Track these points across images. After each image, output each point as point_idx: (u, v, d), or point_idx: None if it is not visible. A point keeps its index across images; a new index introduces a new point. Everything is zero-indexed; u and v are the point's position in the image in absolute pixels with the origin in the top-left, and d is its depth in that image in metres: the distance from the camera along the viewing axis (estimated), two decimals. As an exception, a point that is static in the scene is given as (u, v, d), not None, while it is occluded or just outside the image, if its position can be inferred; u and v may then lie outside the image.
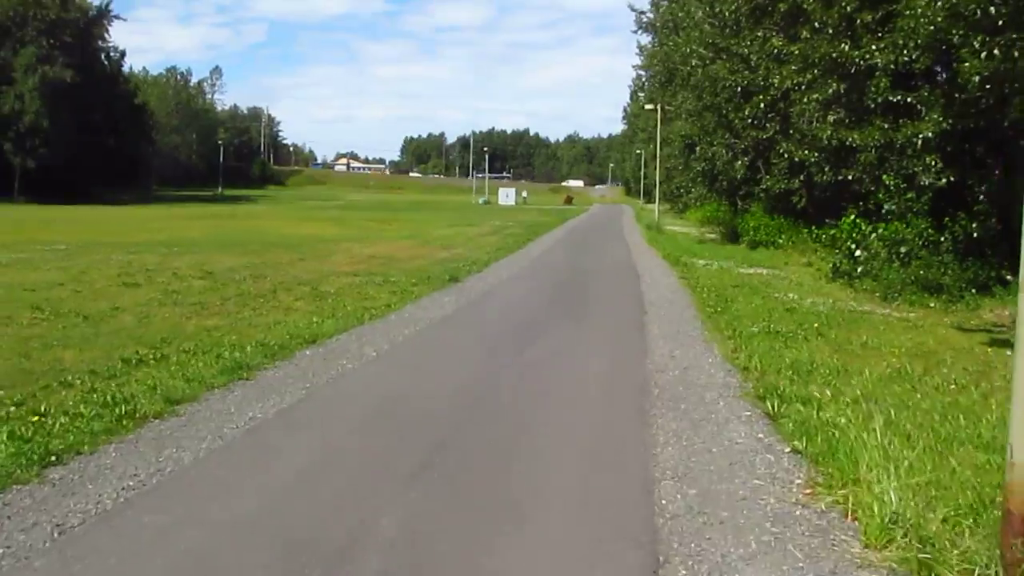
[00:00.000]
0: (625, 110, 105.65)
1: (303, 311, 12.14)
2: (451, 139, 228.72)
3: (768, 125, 25.50)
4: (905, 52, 14.53)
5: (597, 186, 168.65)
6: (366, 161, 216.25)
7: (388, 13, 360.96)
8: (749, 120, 24.05)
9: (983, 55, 9.92)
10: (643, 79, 75.31)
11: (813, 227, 26.35)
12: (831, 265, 18.64)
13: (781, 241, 27.10)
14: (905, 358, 9.70)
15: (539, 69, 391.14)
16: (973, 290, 14.81)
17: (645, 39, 64.84)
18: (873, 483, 4.79)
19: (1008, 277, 14.94)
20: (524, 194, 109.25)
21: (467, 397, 7.45)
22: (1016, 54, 9.67)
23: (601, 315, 13.09)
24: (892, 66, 15.62)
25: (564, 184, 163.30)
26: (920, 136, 15.51)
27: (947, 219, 15.60)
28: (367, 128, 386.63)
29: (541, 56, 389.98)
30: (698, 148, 35.69)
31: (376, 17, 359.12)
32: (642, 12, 61.38)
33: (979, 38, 9.83)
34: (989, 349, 11.29)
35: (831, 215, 29.44)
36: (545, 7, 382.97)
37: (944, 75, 14.81)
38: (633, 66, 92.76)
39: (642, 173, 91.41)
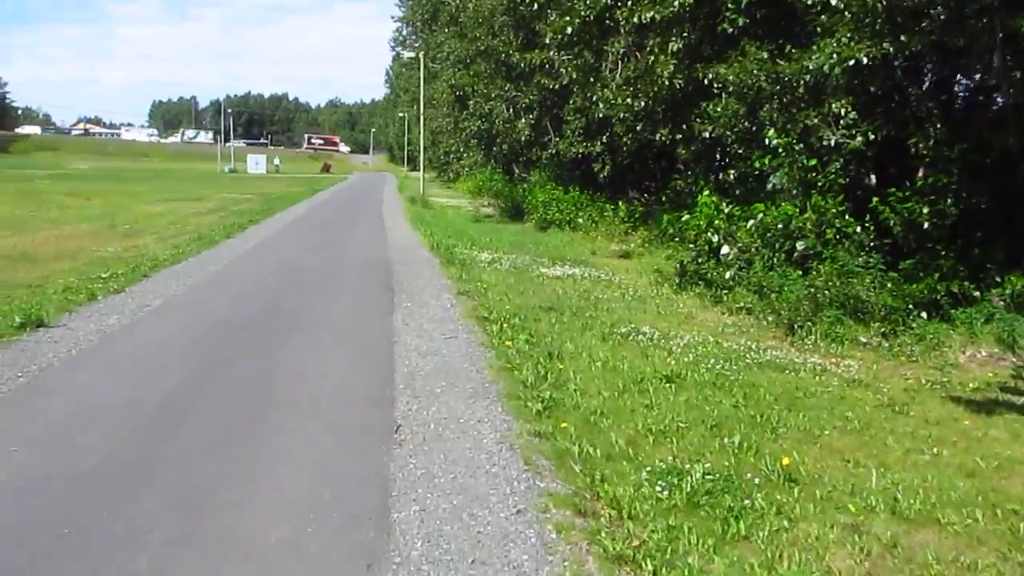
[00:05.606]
0: (387, 72, 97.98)
1: None
2: (204, 104, 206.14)
3: (564, 71, 19.27)
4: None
5: (345, 151, 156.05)
6: (111, 126, 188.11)
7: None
8: (557, 43, 17.20)
9: None
10: (404, 33, 68.57)
11: (620, 202, 20.71)
12: (677, 265, 12.66)
13: (581, 221, 21.10)
14: None
15: (298, 34, 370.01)
16: (923, 313, 9.23)
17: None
18: None
19: (976, 292, 9.49)
20: (276, 161, 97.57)
21: None
22: None
23: (306, 443, 5.69)
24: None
25: (321, 149, 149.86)
26: (815, 68, 9.65)
27: (876, 200, 9.86)
28: (113, 92, 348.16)
29: (299, 20, 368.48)
30: (471, 103, 28.95)
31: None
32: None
33: None
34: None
35: (634, 187, 24.12)
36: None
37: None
38: (392, 17, 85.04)
39: (406, 139, 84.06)
